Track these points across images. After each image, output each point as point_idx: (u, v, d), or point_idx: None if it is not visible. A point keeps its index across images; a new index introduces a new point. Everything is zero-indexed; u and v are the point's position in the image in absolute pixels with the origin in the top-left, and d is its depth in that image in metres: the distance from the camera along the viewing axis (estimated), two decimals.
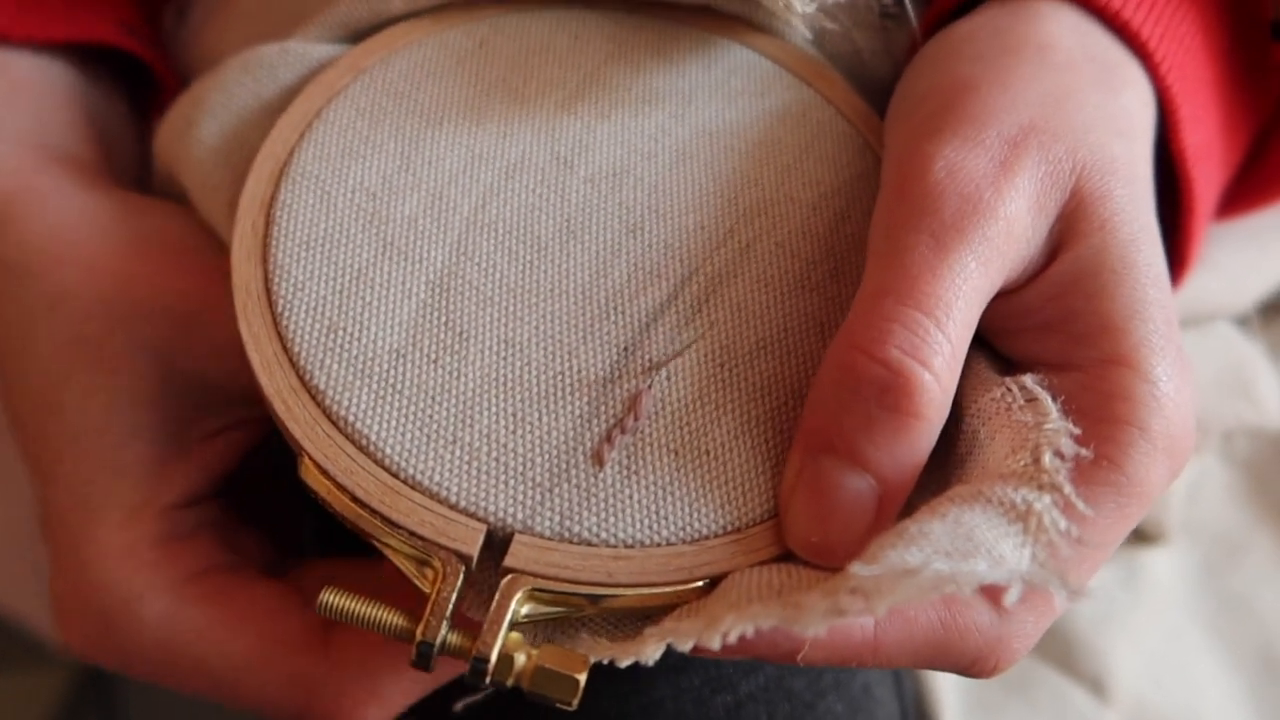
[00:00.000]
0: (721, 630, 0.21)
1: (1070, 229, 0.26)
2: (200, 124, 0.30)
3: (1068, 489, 0.22)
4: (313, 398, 0.25)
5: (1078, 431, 0.23)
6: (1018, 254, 0.25)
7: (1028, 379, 0.24)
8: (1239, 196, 0.35)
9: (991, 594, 0.23)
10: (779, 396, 0.26)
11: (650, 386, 0.26)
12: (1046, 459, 0.23)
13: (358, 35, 0.31)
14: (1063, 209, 0.26)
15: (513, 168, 0.29)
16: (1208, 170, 0.32)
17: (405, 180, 0.28)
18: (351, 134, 0.29)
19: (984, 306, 0.25)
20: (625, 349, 0.26)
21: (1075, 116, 0.26)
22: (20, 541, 0.49)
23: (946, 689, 0.37)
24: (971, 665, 0.24)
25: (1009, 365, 0.26)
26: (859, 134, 0.31)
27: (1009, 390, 0.25)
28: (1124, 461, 0.24)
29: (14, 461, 0.48)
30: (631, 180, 0.29)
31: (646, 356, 0.26)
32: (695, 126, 0.30)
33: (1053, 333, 0.25)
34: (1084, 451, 0.23)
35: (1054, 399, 0.24)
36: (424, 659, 0.23)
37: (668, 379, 0.26)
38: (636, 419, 0.25)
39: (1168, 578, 0.40)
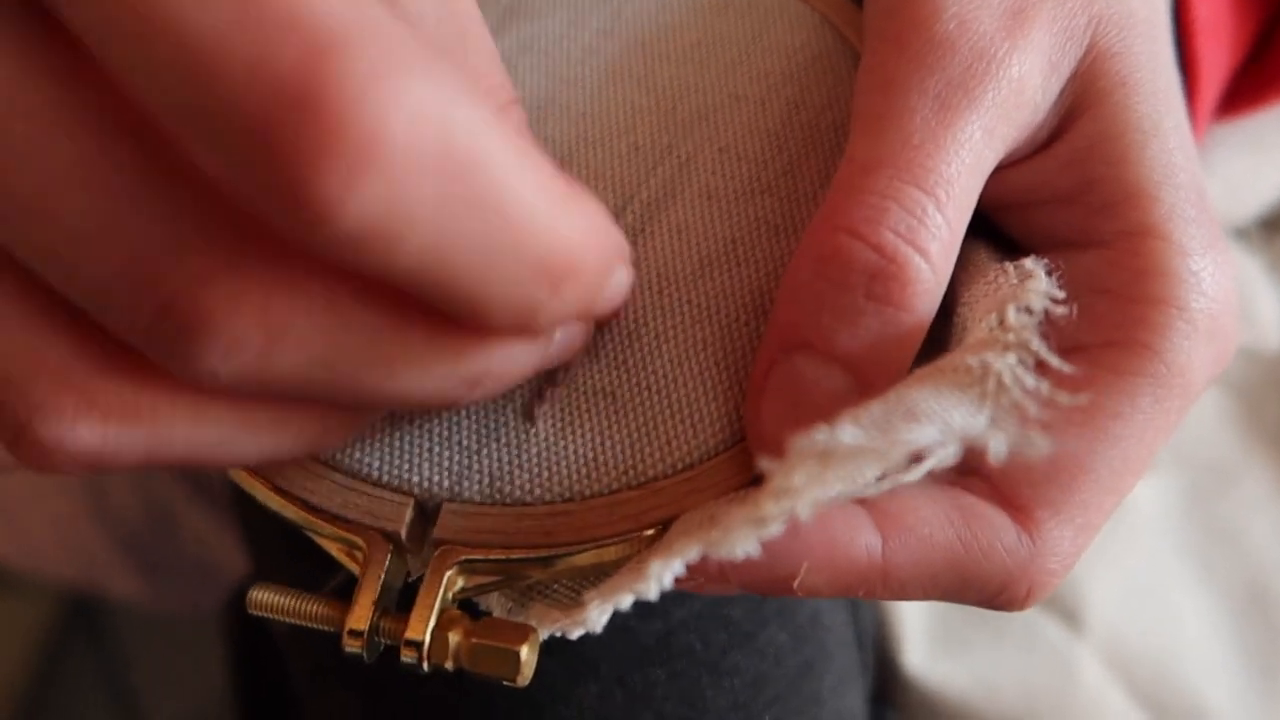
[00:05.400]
0: (652, 578, 0.19)
1: (1087, 89, 0.23)
2: None
3: (1035, 343, 0.19)
4: None
5: (1061, 295, 0.21)
6: (1025, 120, 0.22)
7: (1028, 260, 0.22)
8: (1242, 93, 0.33)
9: (1018, 511, 0.21)
10: (729, 312, 0.24)
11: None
12: (1010, 315, 0.20)
13: None
14: (1077, 67, 0.23)
15: None
16: (1215, 51, 0.29)
17: None
18: None
19: (984, 181, 0.22)
20: None
21: None
22: None
23: (910, 620, 0.35)
24: (1000, 593, 0.21)
25: (1014, 250, 0.24)
26: (814, 11, 0.28)
27: (1004, 271, 0.22)
28: (1161, 346, 0.21)
29: None
30: (557, 111, 0.27)
31: None
32: (626, 40, 0.28)
33: (1071, 205, 0.23)
34: (1061, 309, 0.20)
35: (1051, 273, 0.21)
36: (356, 648, 0.21)
37: (598, 324, 0.24)
38: (567, 369, 0.23)
39: (1151, 506, 0.38)
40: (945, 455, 0.18)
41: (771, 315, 0.22)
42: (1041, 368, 0.19)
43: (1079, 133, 0.23)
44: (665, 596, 0.28)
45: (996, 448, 0.18)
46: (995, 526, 0.21)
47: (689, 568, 0.19)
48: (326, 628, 0.22)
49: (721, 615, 0.28)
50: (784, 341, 0.21)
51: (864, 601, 0.34)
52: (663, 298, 0.24)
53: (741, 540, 0.18)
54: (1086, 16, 0.23)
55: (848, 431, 0.18)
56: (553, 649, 0.27)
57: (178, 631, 0.62)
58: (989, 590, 0.21)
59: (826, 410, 0.20)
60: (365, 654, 0.21)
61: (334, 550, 0.23)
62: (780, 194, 0.25)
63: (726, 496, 0.22)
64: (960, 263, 0.23)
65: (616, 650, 0.28)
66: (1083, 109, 0.23)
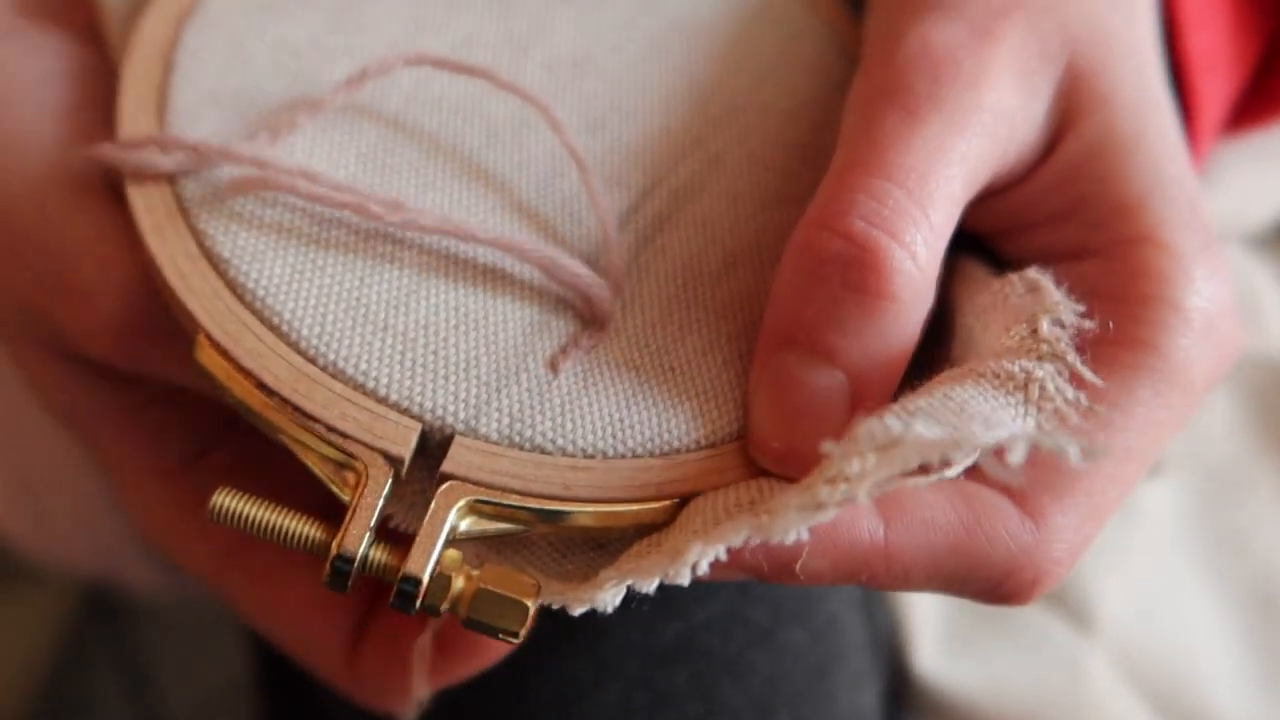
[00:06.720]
0: (689, 561, 0.19)
1: (1070, 109, 0.23)
2: None
3: (1071, 356, 0.20)
4: (215, 267, 0.22)
5: (1081, 308, 0.21)
6: (1008, 133, 0.23)
7: (1031, 270, 0.22)
8: (1251, 109, 0.33)
9: (1021, 497, 0.21)
10: (753, 313, 0.24)
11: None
12: (1045, 327, 0.20)
13: None
14: (1058, 87, 0.23)
15: (460, 44, 0.26)
16: (1214, 79, 0.29)
17: (335, 43, 0.25)
18: None
19: (973, 189, 0.23)
20: (585, 261, 0.24)
21: None
22: (8, 459, 0.48)
23: (923, 620, 0.36)
24: (1005, 580, 0.21)
25: (1006, 268, 0.24)
26: (838, 38, 0.29)
27: (1010, 282, 0.22)
28: (1158, 341, 0.21)
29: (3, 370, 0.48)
30: (594, 71, 0.27)
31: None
32: (666, 20, 0.28)
33: (1064, 223, 0.23)
34: (1088, 323, 0.21)
35: (1059, 284, 0.22)
36: (340, 577, 0.19)
37: (623, 306, 0.24)
38: (590, 335, 0.23)
39: (1162, 510, 0.38)
40: (1014, 459, 0.18)
41: (762, 322, 0.22)
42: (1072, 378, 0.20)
43: (1065, 152, 0.23)
44: (686, 597, 0.29)
45: (1069, 453, 0.17)
46: (999, 510, 0.21)
47: None
48: (302, 549, 0.20)
49: (742, 616, 0.29)
50: (771, 342, 0.22)
51: (879, 603, 0.35)
52: (686, 292, 0.24)
53: (793, 525, 0.18)
54: (1062, 36, 0.23)
55: (920, 423, 0.18)
56: (577, 650, 0.28)
57: (196, 621, 0.63)
58: (993, 577, 0.21)
59: (816, 409, 0.21)
60: (346, 585, 0.20)
61: (318, 468, 0.21)
62: (805, 207, 0.26)
63: (746, 483, 0.22)
64: (956, 276, 0.24)
65: (639, 651, 0.28)
66: (1068, 128, 0.23)
